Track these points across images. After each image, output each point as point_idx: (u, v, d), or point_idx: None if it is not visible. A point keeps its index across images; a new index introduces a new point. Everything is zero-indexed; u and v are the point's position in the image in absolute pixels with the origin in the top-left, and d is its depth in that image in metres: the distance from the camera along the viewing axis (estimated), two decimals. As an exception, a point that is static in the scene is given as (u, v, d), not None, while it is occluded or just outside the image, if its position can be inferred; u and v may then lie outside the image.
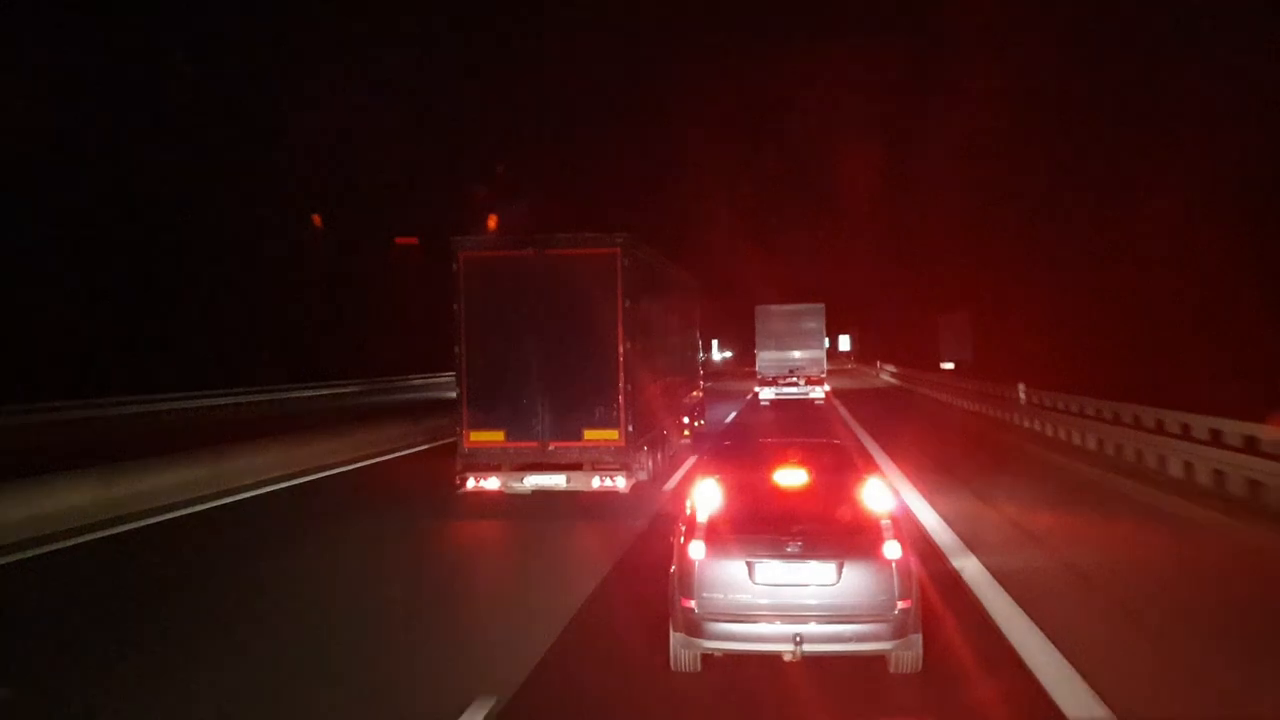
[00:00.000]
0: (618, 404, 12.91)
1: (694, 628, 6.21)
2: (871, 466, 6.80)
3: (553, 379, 12.96)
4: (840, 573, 6.10)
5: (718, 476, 6.87)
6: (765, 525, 6.37)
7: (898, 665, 6.33)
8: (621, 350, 12.91)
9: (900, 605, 6.09)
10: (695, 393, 21.52)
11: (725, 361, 78.82)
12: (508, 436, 13.02)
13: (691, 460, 18.14)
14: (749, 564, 6.15)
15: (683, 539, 6.43)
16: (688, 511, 6.69)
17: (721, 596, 6.16)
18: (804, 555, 6.13)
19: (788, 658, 6.14)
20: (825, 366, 33.34)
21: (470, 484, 13.04)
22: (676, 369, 18.37)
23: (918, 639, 6.23)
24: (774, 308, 33.98)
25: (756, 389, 33.71)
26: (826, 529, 6.33)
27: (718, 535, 6.32)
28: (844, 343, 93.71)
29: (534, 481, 13.13)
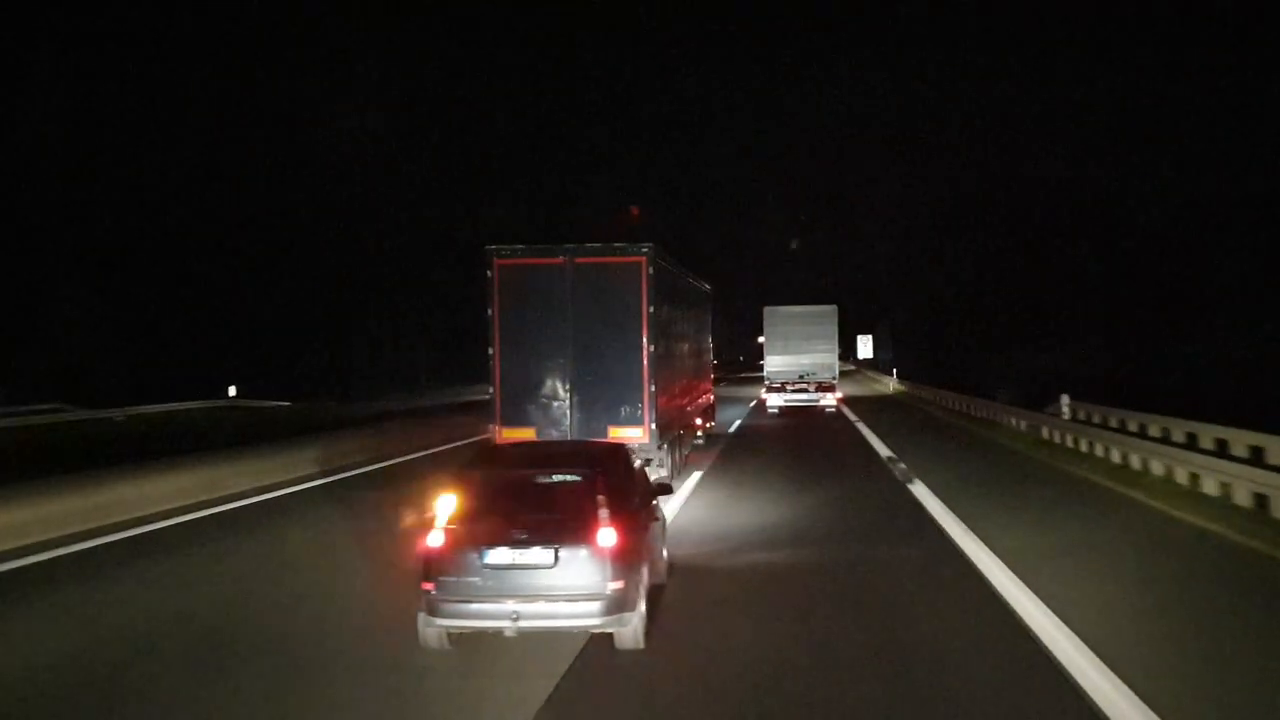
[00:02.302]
0: (643, 403, 13.69)
1: (432, 608, 6.90)
2: (614, 462, 7.87)
3: (581, 379, 13.73)
4: (557, 557, 6.82)
5: (470, 472, 7.59)
6: (499, 516, 7.08)
7: (620, 641, 7.03)
8: (646, 353, 13.68)
9: (611, 587, 6.79)
10: (708, 395, 22.26)
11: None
12: (538, 434, 13.78)
13: (707, 462, 18.91)
14: (478, 550, 6.86)
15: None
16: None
17: (455, 580, 6.85)
18: (528, 542, 6.85)
19: (508, 633, 6.83)
20: (837, 372, 32.28)
21: None
22: (693, 372, 19.14)
23: (632, 617, 6.92)
24: (784, 309, 32.11)
25: (763, 395, 32.17)
26: (552, 519, 7.03)
27: (455, 525, 7.01)
28: (864, 346, 70.40)
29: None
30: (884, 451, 20.31)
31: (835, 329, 31.84)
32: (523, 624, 6.77)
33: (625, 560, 6.96)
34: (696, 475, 16.85)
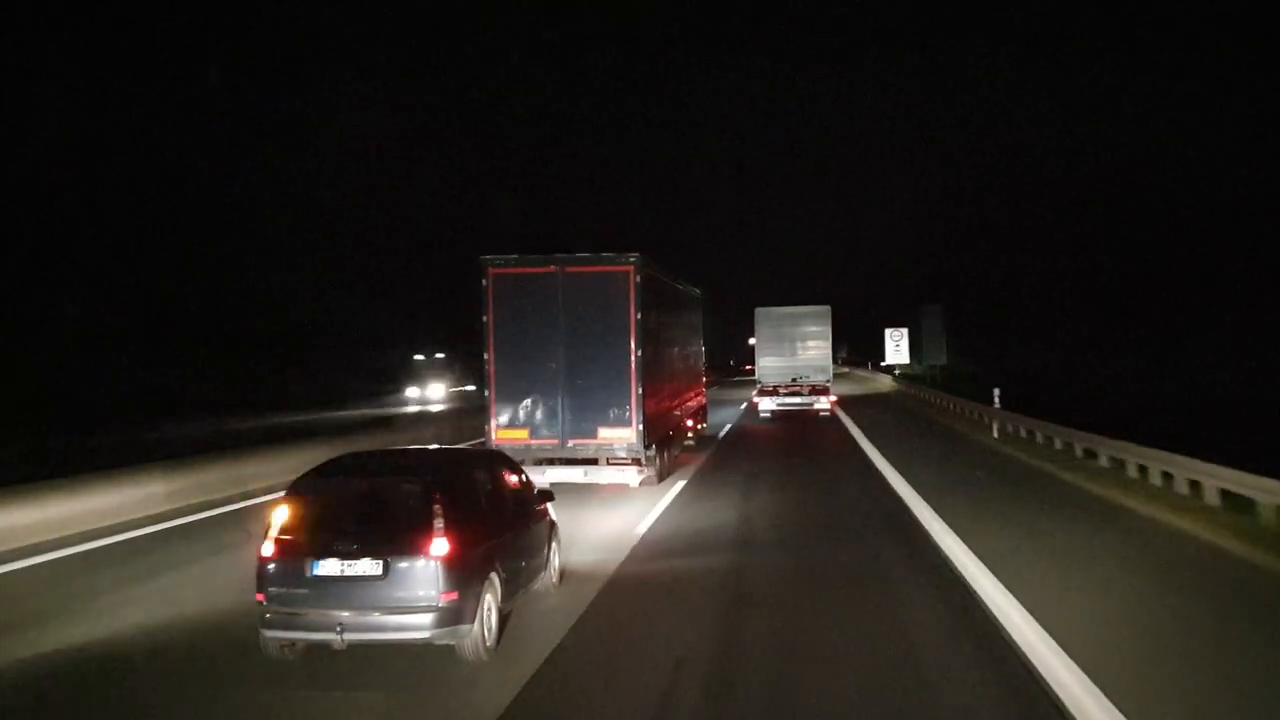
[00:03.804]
0: (630, 406, 14.36)
1: (264, 620, 6.86)
2: (461, 470, 7.95)
3: (572, 383, 14.42)
4: (387, 569, 6.70)
5: (309, 482, 7.43)
6: (332, 526, 6.98)
7: (460, 653, 6.91)
8: (634, 357, 14.35)
9: (445, 598, 6.66)
10: (699, 399, 22.89)
11: None
12: (531, 435, 14.48)
13: (696, 463, 19.55)
14: (307, 562, 6.77)
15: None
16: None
17: (284, 591, 6.78)
18: (357, 553, 6.73)
19: (336, 645, 6.73)
20: (831, 375, 31.05)
21: None
22: (683, 375, 19.76)
23: (469, 629, 6.80)
24: (775, 310, 31.12)
25: (755, 399, 31.44)
26: (384, 529, 6.92)
27: (286, 536, 6.93)
28: (895, 347, 46.04)
29: (554, 476, 14.59)
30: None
31: (829, 329, 30.82)
32: (349, 636, 6.69)
33: (462, 571, 6.81)
34: (686, 473, 17.50)
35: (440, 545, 6.74)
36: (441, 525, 6.80)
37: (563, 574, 9.40)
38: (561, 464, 14.60)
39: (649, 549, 11.21)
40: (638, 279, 14.38)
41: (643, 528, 12.38)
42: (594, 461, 14.55)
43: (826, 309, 31.00)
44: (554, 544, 9.21)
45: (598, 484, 14.73)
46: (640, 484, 14.79)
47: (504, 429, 14.54)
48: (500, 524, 7.84)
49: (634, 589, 9.51)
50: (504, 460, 9.15)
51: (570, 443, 14.49)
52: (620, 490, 14.82)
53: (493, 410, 14.60)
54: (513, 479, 8.73)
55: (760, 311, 31.21)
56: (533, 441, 14.50)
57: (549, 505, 9.23)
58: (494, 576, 7.29)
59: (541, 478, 14.55)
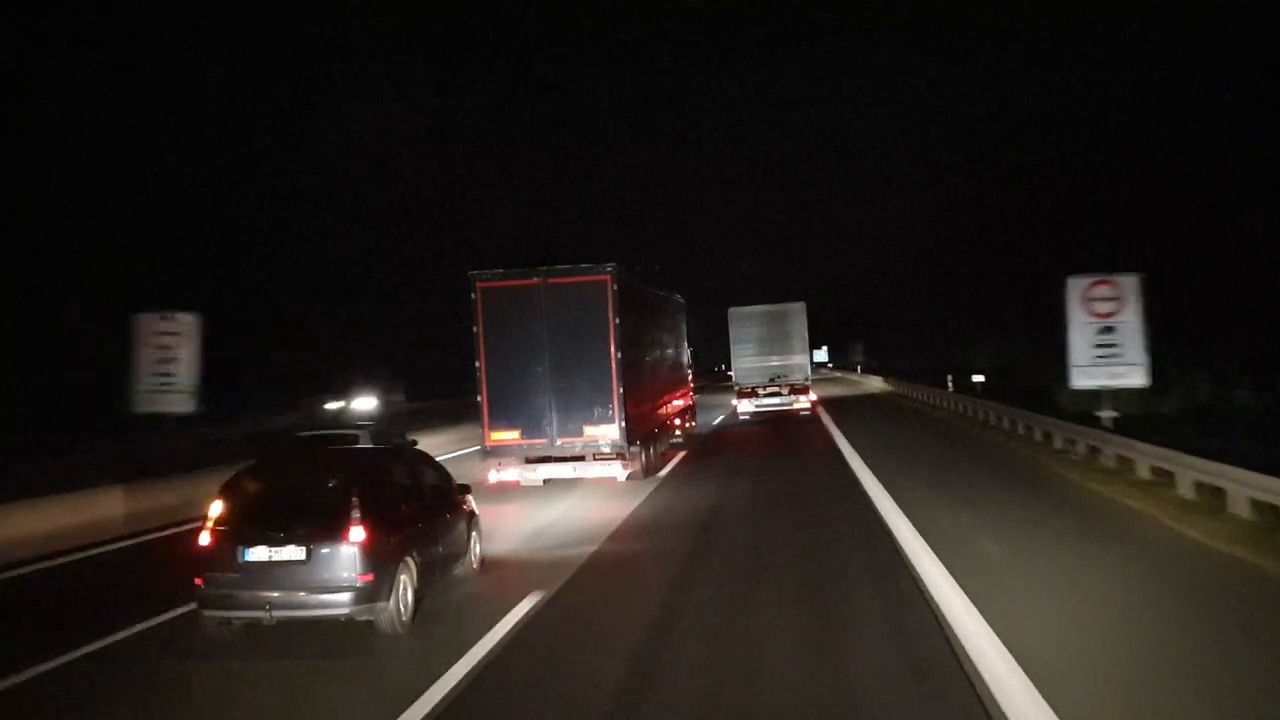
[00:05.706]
0: (613, 405, 15.48)
1: (203, 601, 7.78)
2: (379, 466, 8.86)
3: (558, 385, 15.53)
4: (309, 554, 7.62)
5: (241, 478, 8.35)
6: (261, 517, 7.84)
7: (379, 626, 7.78)
8: (614, 359, 15.47)
9: (361, 579, 7.56)
10: (685, 399, 23.94)
11: None
12: (522, 435, 15.59)
13: (678, 458, 20.66)
14: (240, 548, 7.68)
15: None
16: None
17: (220, 575, 7.70)
18: (283, 540, 7.64)
19: (266, 622, 7.65)
20: (810, 373, 30.61)
21: (493, 476, 15.63)
22: (665, 377, 20.85)
23: (385, 606, 7.70)
24: (748, 309, 30.57)
25: (735, 402, 30.85)
26: (307, 519, 7.74)
27: (221, 526, 7.85)
28: (1103, 330, 15.13)
29: (546, 473, 15.78)
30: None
31: (805, 326, 30.27)
32: (278, 613, 7.60)
33: (377, 555, 7.69)
34: (667, 469, 18.63)
35: (357, 532, 7.63)
36: (359, 515, 7.67)
37: (484, 560, 10.20)
38: (552, 461, 15.76)
39: (632, 529, 12.27)
40: (614, 287, 15.49)
41: (627, 511, 13.49)
42: (581, 458, 15.68)
43: (801, 306, 30.32)
44: (474, 533, 10.12)
45: (586, 477, 15.89)
46: (627, 478, 15.89)
47: (496, 430, 15.65)
48: (416, 514, 8.76)
49: (613, 564, 10.50)
50: (423, 457, 10.13)
51: (559, 441, 15.60)
52: (609, 480, 15.94)
53: (485, 413, 15.71)
54: (431, 474, 9.67)
55: (733, 311, 30.70)
56: (524, 441, 15.62)
57: (469, 497, 10.20)
58: (409, 560, 8.21)
59: (534, 475, 15.82)
